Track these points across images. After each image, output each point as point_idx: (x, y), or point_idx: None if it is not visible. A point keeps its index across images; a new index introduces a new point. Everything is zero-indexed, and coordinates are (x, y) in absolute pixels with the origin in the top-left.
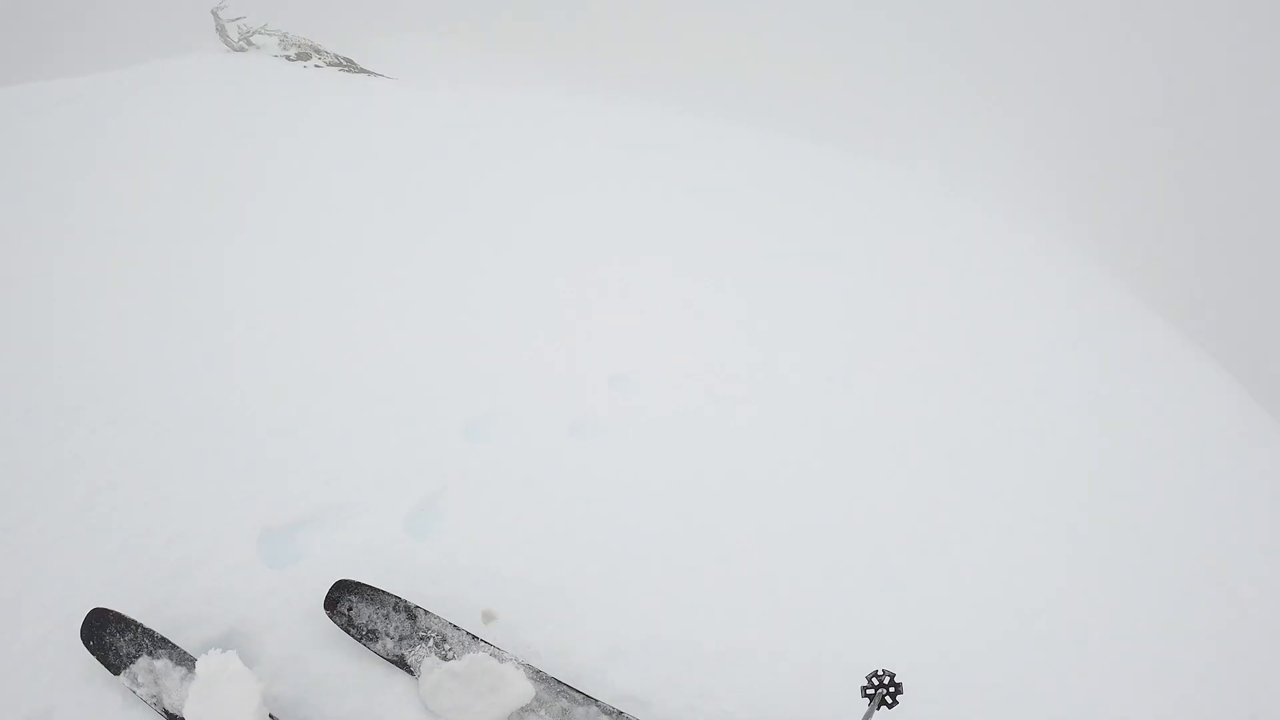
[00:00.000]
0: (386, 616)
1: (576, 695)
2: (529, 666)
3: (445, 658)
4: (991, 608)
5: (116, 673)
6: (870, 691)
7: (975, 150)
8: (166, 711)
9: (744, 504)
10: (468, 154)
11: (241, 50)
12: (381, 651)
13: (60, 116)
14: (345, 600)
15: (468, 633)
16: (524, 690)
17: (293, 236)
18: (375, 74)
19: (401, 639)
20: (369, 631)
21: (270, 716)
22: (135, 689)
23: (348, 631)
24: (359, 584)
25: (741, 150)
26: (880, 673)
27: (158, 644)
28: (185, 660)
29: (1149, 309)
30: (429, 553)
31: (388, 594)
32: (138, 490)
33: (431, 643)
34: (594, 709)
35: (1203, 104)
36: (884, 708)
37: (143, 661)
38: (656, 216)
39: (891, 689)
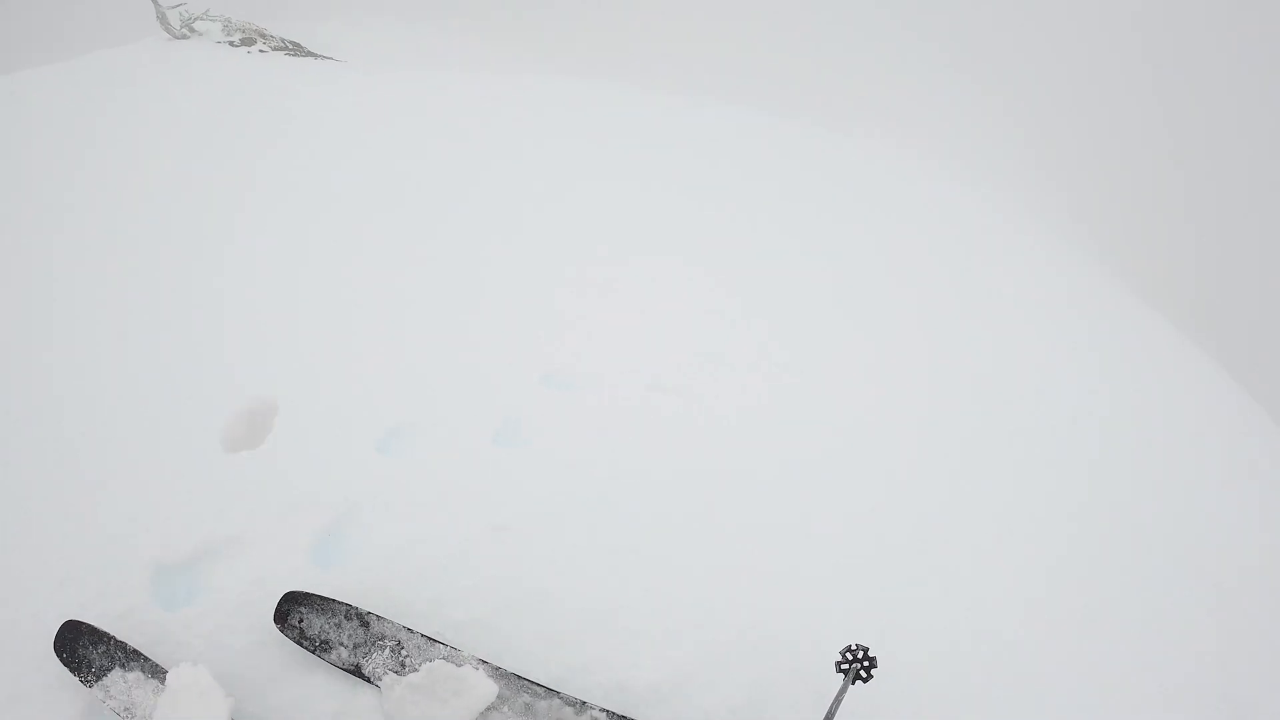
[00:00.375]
0: (339, 625)
1: (539, 689)
2: (488, 664)
3: (403, 665)
4: (985, 606)
5: (89, 685)
6: (845, 666)
7: (976, 146)
8: None
9: (723, 502)
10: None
11: (184, 38)
12: (337, 661)
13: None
14: (295, 612)
15: (423, 635)
16: (487, 690)
17: (212, 238)
18: (323, 57)
19: (356, 647)
20: (322, 642)
21: None
22: (107, 701)
23: (300, 644)
24: (307, 595)
25: (723, 129)
26: (854, 647)
27: (130, 656)
28: (158, 673)
29: (1148, 307)
30: (333, 584)
31: (338, 602)
32: (23, 528)
33: (387, 650)
34: (557, 701)
35: (1204, 100)
36: (859, 682)
37: (115, 674)
38: (633, 207)
39: (866, 663)
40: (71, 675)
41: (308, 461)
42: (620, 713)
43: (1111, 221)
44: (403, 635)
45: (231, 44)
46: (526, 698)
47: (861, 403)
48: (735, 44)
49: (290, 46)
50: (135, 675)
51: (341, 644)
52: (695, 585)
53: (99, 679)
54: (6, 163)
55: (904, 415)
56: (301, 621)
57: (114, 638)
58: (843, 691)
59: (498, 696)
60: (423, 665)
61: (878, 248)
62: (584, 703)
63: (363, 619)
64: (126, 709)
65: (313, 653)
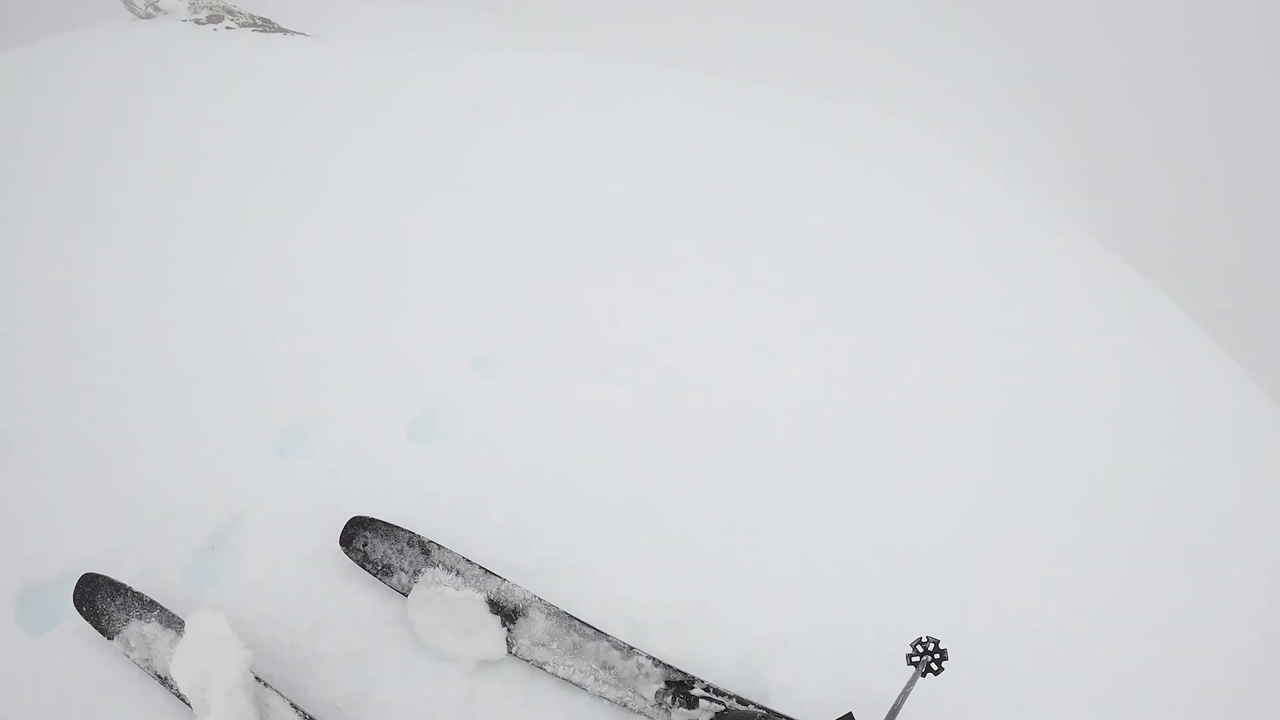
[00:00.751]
0: (401, 551)
1: (588, 630)
2: (542, 601)
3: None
4: (1017, 605)
5: (110, 638)
6: (915, 659)
7: (991, 128)
8: (159, 675)
9: (742, 495)
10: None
11: (149, 17)
12: (396, 586)
13: None
14: (360, 536)
15: (481, 567)
16: (495, 649)
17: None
18: (294, 32)
19: (416, 573)
20: (384, 567)
21: (256, 679)
22: (129, 653)
23: (363, 567)
24: (372, 520)
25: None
26: (925, 639)
27: (146, 607)
28: (174, 623)
29: (1187, 312)
30: (214, 603)
31: (402, 529)
32: None
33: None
34: (605, 644)
35: (1229, 93)
36: (929, 674)
37: (134, 625)
38: (618, 186)
39: (937, 655)
40: (92, 628)
41: (195, 463)
42: (666, 662)
43: (1149, 225)
44: (461, 565)
45: (198, 22)
46: (576, 637)
47: (891, 397)
48: (743, 22)
49: (259, 23)
50: (153, 626)
51: (403, 569)
52: (715, 581)
53: (119, 631)
54: None
55: (937, 410)
56: (366, 545)
57: (130, 588)
58: (911, 683)
59: (547, 633)
60: (467, 593)
61: (908, 235)
62: (631, 648)
63: (424, 547)
64: (146, 660)
65: (375, 576)
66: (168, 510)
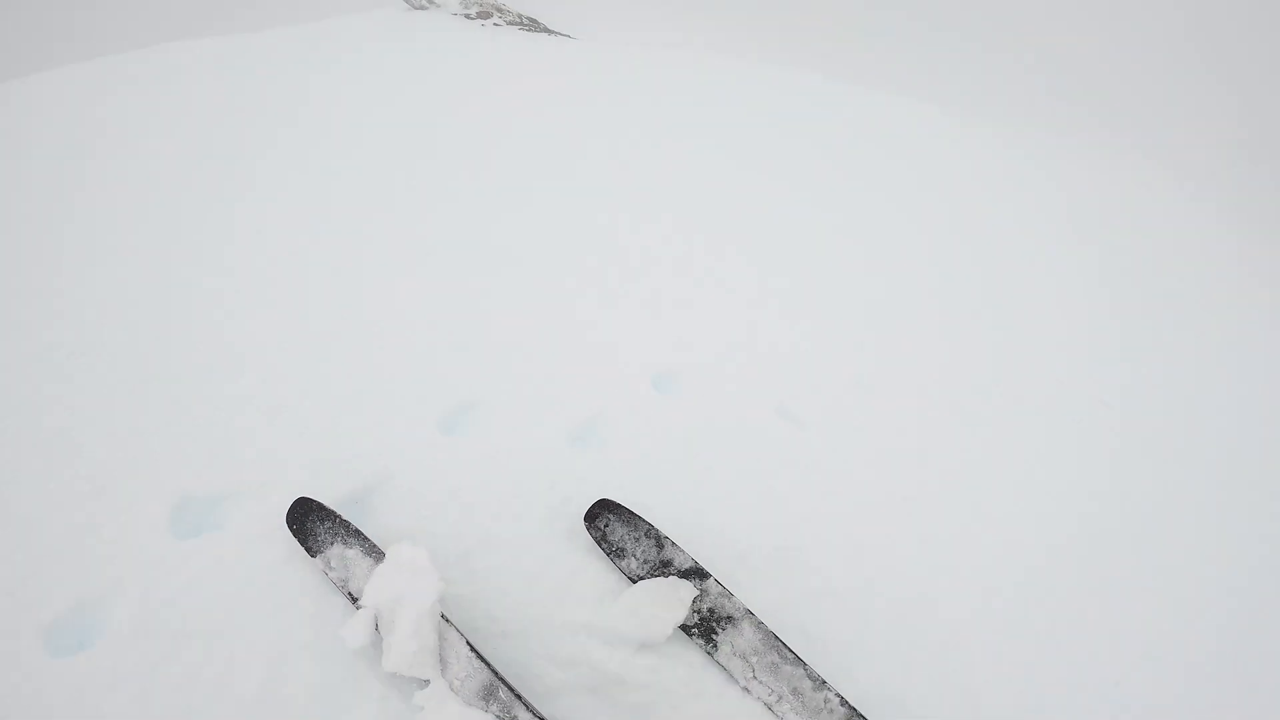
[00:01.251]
0: (637, 540)
1: (788, 653)
2: (753, 615)
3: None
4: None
5: (314, 556)
6: None
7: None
8: (351, 594)
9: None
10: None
11: (423, 8)
12: (626, 570)
13: (254, 74)
14: (604, 517)
15: (715, 578)
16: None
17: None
18: (558, 34)
19: (645, 563)
20: (618, 549)
21: (443, 617)
22: (328, 572)
23: (600, 545)
24: (618, 505)
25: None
26: None
27: (351, 535)
28: (374, 553)
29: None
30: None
31: (642, 519)
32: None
33: (676, 573)
34: (800, 671)
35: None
36: None
37: (336, 548)
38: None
39: None
40: (299, 546)
41: (363, 426)
42: (851, 703)
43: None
44: (689, 566)
45: (468, 16)
46: (774, 658)
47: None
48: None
49: (526, 22)
50: (354, 552)
51: (634, 556)
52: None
53: (322, 551)
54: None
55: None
56: (607, 526)
57: (339, 516)
58: None
59: (751, 647)
60: (677, 616)
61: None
62: (824, 681)
63: (659, 541)
64: (343, 580)
65: (608, 556)
66: (325, 460)
